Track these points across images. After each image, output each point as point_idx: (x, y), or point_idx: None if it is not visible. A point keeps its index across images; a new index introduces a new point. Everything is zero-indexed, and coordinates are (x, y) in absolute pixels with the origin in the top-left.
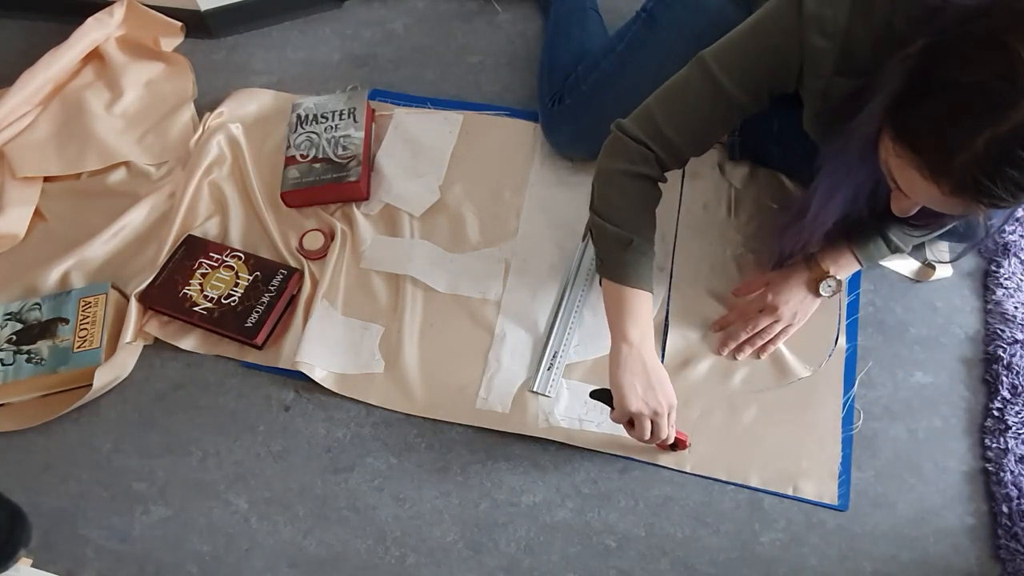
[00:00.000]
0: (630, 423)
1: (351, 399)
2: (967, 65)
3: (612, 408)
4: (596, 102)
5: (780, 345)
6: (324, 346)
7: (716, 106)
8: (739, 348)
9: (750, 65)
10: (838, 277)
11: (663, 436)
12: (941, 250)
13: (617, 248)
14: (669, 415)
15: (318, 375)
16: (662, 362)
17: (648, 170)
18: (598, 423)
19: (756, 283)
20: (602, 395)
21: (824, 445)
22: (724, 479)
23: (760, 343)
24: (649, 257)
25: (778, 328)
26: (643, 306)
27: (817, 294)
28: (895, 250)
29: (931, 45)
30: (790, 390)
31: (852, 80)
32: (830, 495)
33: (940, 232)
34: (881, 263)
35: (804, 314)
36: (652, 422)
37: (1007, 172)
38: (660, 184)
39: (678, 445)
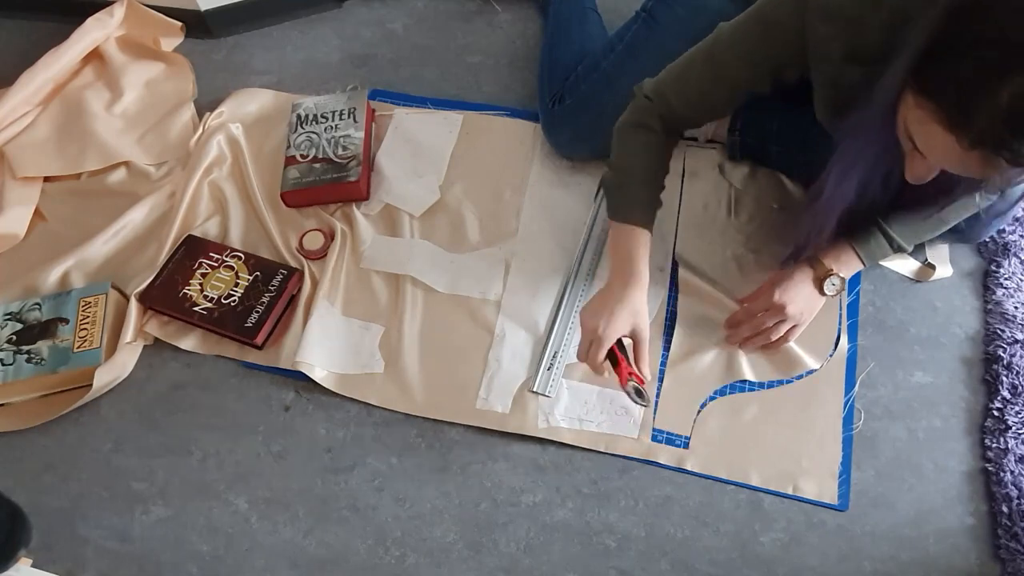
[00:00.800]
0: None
1: (351, 399)
2: (992, 20)
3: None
4: (596, 102)
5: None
6: (324, 346)
7: (717, 80)
8: (747, 341)
9: (753, 46)
10: (841, 275)
11: (597, 358)
12: (940, 249)
13: (615, 188)
14: (616, 343)
15: (318, 375)
16: (663, 361)
17: (650, 122)
18: (598, 423)
19: (763, 288)
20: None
21: (824, 444)
22: (725, 478)
23: (767, 341)
24: (649, 201)
25: (784, 328)
26: (638, 242)
27: (822, 292)
28: (897, 249)
29: (955, 4)
30: (792, 389)
31: (864, 68)
32: (830, 495)
33: (942, 231)
34: (882, 263)
35: (810, 312)
36: (590, 342)
37: None
38: (669, 139)
39: (639, 393)
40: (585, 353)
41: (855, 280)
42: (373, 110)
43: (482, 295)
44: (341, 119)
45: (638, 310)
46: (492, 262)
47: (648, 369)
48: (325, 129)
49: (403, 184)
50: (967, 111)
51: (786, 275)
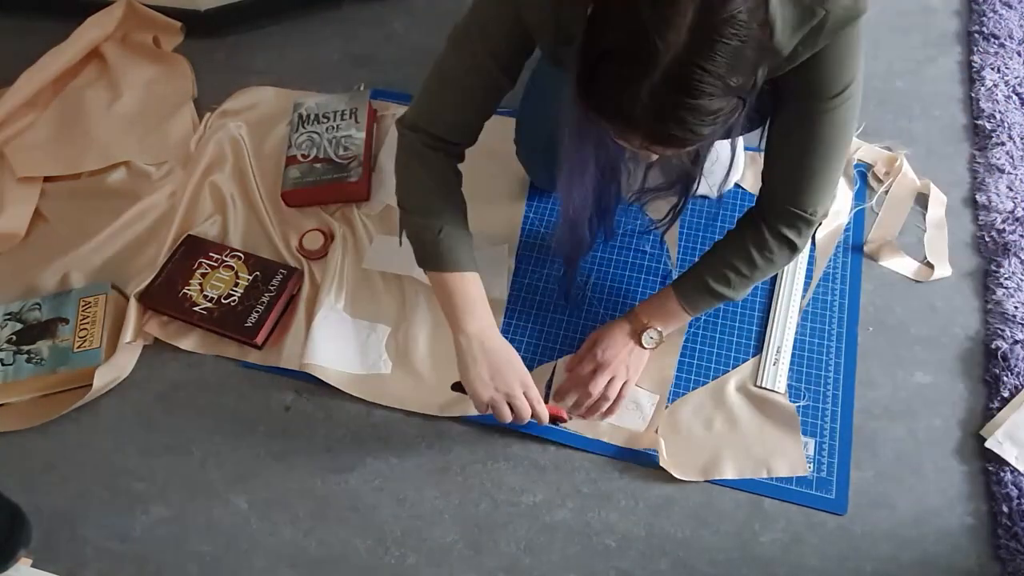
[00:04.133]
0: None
1: (351, 399)
2: (609, 32)
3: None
4: (525, 128)
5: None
6: (332, 347)
7: (462, 88)
8: (589, 412)
9: (478, 47)
10: (658, 328)
11: (524, 415)
12: (939, 249)
13: (428, 237)
14: (526, 393)
15: (328, 376)
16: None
17: (426, 151)
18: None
19: (584, 350)
20: (460, 387)
21: (784, 422)
22: (701, 479)
23: (606, 405)
24: (464, 240)
25: (618, 385)
26: (472, 289)
27: (641, 345)
28: (719, 298)
29: (588, 20)
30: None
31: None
32: (802, 467)
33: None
34: (881, 263)
35: (636, 368)
36: (509, 404)
37: (677, 114)
38: (452, 161)
39: (556, 420)
40: (509, 415)
41: (855, 280)
42: (375, 110)
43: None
44: (343, 119)
45: (510, 350)
46: (495, 261)
47: (544, 407)
48: (327, 129)
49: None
50: (627, 118)
51: (605, 333)
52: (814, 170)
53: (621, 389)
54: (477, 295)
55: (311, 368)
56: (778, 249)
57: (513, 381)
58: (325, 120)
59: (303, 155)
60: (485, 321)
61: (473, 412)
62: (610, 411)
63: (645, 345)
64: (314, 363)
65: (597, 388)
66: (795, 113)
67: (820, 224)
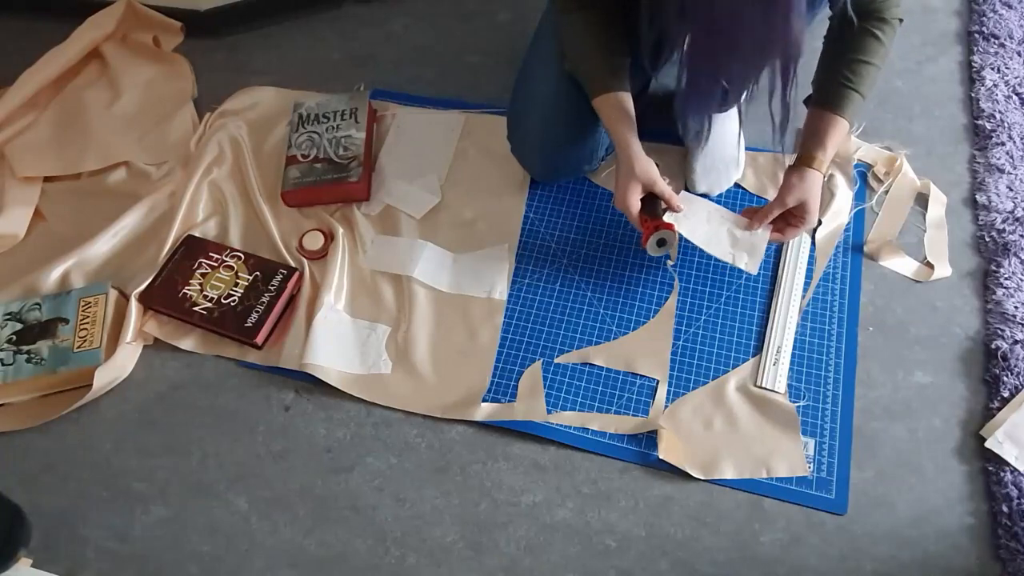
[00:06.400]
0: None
1: (351, 399)
2: None
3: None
4: (518, 129)
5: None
6: (332, 347)
7: None
8: (775, 224)
9: None
10: (829, 155)
11: (634, 223)
12: (939, 249)
13: (579, 72)
14: (646, 199)
15: (329, 376)
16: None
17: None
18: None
19: (776, 200)
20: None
21: (783, 422)
22: (701, 477)
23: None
24: (612, 66)
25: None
26: (618, 109)
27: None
28: (859, 95)
29: None
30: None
31: None
32: (802, 468)
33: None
34: (881, 263)
35: (816, 199)
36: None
37: None
38: (602, 8)
39: (661, 228)
40: (632, 217)
41: (855, 280)
42: (375, 110)
43: (487, 294)
44: (343, 119)
45: (639, 172)
46: (495, 260)
47: (676, 204)
48: (326, 129)
49: (404, 185)
50: None
51: (805, 188)
52: None
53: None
54: (623, 117)
55: (311, 368)
56: (883, 32)
57: (631, 199)
58: (325, 120)
59: (303, 155)
60: (625, 135)
61: (478, 417)
62: (792, 228)
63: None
64: (314, 363)
65: (796, 232)
66: None
67: (900, 23)
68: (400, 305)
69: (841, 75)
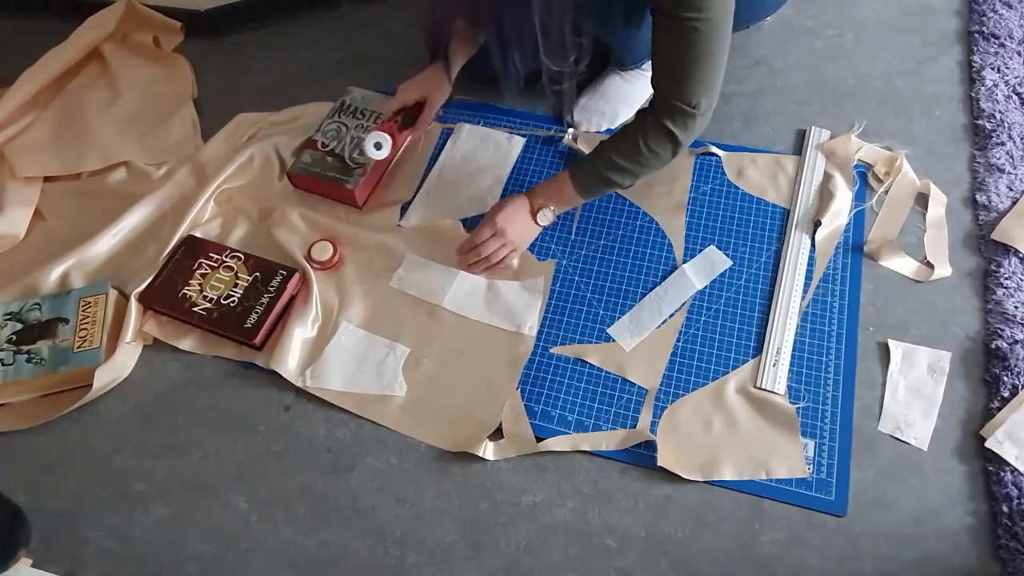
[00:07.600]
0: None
1: None
2: None
3: None
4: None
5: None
6: (345, 364)
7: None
8: (474, 267)
9: None
10: (552, 208)
11: (385, 110)
12: (939, 249)
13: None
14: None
15: (341, 400)
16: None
17: None
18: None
19: (487, 217)
20: None
21: (783, 424)
22: (700, 479)
23: (493, 262)
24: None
25: (505, 251)
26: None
27: (536, 222)
28: (609, 184)
29: None
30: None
31: None
32: (801, 469)
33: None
34: (881, 263)
35: (526, 240)
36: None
37: None
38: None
39: (391, 132)
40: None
41: (855, 280)
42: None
43: (516, 328)
44: (376, 121)
45: (430, 80)
46: (529, 294)
47: (422, 124)
48: (357, 127)
49: (447, 205)
50: None
51: (507, 204)
52: (689, 67)
53: (508, 255)
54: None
55: (317, 392)
56: (662, 140)
57: (407, 95)
58: (361, 116)
59: (323, 143)
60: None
61: (489, 457)
62: (496, 267)
63: (539, 222)
64: (322, 387)
65: (488, 250)
66: (661, 21)
67: (704, 118)
68: (421, 329)
69: (611, 163)
